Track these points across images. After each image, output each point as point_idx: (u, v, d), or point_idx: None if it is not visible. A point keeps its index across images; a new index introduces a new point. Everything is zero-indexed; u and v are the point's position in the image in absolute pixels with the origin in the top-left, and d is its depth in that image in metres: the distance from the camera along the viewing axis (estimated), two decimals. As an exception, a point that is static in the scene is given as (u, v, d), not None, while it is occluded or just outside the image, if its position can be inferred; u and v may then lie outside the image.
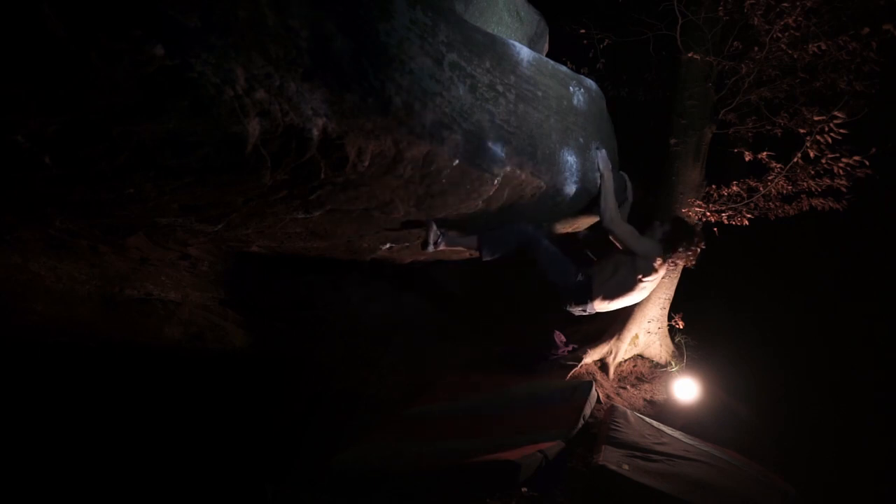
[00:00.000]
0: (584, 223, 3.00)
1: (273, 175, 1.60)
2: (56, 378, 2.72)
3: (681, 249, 2.54)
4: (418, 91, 1.74)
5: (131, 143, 1.29)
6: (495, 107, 2.10)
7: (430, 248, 2.44)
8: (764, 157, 3.45)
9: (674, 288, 4.59)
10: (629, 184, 2.98)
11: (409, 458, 2.28)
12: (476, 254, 2.68)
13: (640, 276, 2.53)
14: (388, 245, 2.80)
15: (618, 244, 2.58)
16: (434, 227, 2.42)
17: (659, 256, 2.52)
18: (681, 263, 2.63)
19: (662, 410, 4.15)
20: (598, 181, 2.70)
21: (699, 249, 2.61)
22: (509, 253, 2.57)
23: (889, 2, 3.03)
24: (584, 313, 2.64)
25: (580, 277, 2.57)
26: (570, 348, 4.53)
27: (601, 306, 2.58)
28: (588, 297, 2.55)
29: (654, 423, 3.44)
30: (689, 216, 4.04)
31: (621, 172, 2.95)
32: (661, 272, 2.59)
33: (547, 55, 2.66)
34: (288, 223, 2.17)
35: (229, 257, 2.89)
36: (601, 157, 2.67)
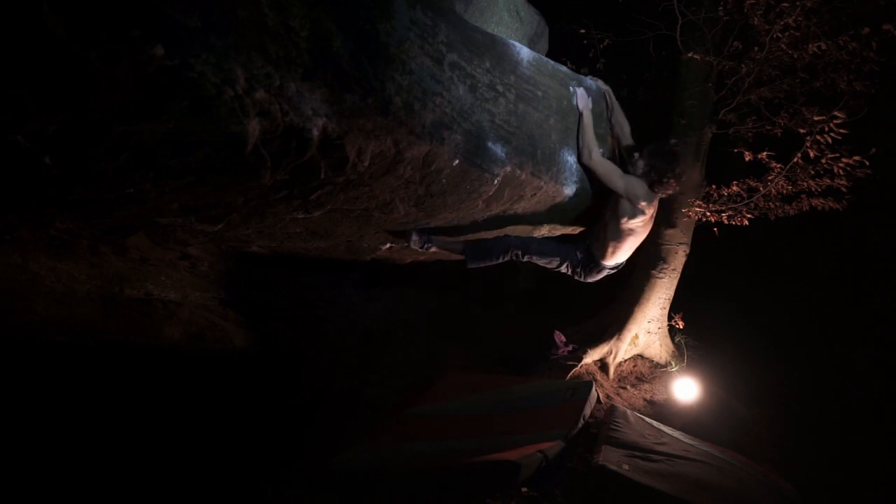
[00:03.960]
0: (583, 223, 3.00)
1: (273, 175, 1.60)
2: (56, 378, 2.72)
3: (664, 180, 2.51)
4: (418, 91, 1.74)
5: (131, 143, 1.29)
6: (495, 107, 2.10)
7: (422, 249, 2.61)
8: (764, 157, 3.44)
9: (674, 288, 4.59)
10: (610, 100, 2.78)
11: (409, 458, 2.27)
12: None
13: (624, 221, 2.56)
14: (388, 245, 2.80)
15: (600, 179, 2.57)
16: (413, 237, 2.57)
17: (643, 197, 2.52)
18: (667, 193, 2.59)
19: (662, 410, 4.16)
20: None
21: (681, 174, 2.56)
22: (495, 262, 2.70)
23: (889, 2, 3.03)
24: (609, 272, 2.86)
25: (580, 253, 2.77)
26: (570, 348, 4.53)
27: (613, 261, 2.75)
28: (596, 262, 2.76)
29: (654, 423, 3.44)
30: (689, 216, 4.05)
31: (600, 86, 2.75)
32: (652, 208, 2.59)
33: (547, 55, 2.64)
34: (288, 223, 2.17)
35: (229, 257, 2.89)
36: (579, 95, 2.57)
